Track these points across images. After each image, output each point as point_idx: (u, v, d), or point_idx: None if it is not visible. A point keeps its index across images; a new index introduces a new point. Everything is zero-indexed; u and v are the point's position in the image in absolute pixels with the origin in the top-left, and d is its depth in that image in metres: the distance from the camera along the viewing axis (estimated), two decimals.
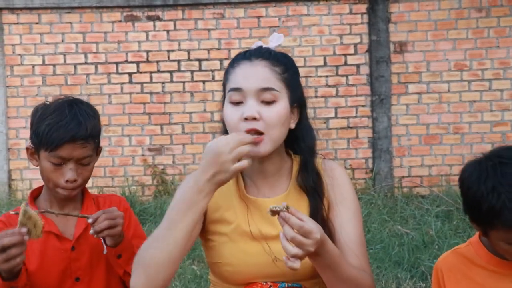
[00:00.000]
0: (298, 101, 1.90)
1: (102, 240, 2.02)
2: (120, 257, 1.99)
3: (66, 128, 1.94)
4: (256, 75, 1.82)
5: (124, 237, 2.00)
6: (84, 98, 6.51)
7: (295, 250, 1.59)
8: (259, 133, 1.79)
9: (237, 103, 1.82)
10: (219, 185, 1.70)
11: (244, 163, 1.67)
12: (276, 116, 1.81)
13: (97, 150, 2.07)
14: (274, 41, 1.93)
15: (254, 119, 1.79)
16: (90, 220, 1.93)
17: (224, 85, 1.91)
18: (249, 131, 1.78)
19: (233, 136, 1.69)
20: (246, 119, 1.79)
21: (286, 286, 1.83)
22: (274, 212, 1.63)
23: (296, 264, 1.60)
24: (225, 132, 1.96)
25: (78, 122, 1.96)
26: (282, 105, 1.83)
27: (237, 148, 1.67)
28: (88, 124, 1.97)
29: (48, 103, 2.07)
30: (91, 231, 1.93)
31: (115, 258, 2.00)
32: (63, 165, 1.97)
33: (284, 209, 1.62)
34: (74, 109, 2.00)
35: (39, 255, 2.03)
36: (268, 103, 1.81)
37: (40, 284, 2.04)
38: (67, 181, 1.97)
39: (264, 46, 1.92)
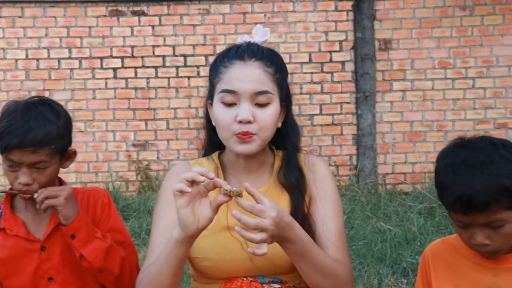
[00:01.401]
0: (285, 100, 1.91)
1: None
2: (74, 237, 1.96)
3: (15, 133, 1.91)
4: (251, 78, 1.82)
5: (79, 216, 1.97)
6: (68, 93, 6.54)
7: (258, 235, 1.60)
8: (249, 134, 1.81)
9: (230, 104, 1.82)
10: (185, 235, 1.67)
11: (180, 185, 1.63)
12: (270, 118, 1.83)
13: (64, 153, 2.03)
14: (260, 35, 1.93)
15: (248, 122, 1.80)
16: (35, 195, 1.95)
17: (211, 81, 1.90)
18: (242, 134, 1.80)
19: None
20: (240, 121, 1.79)
21: (266, 281, 1.84)
22: (226, 194, 1.64)
23: (264, 249, 1.61)
24: (208, 128, 1.96)
25: (28, 128, 1.92)
26: (275, 107, 1.85)
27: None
28: (40, 131, 1.93)
29: (13, 102, 2.02)
30: (36, 205, 1.96)
31: (69, 239, 1.97)
32: (17, 168, 1.95)
33: (235, 193, 1.63)
34: (30, 113, 1.95)
35: (8, 259, 2.02)
36: (262, 105, 1.82)
37: (14, 287, 2.03)
38: (19, 183, 1.96)
39: (252, 41, 1.91)
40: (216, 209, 1.66)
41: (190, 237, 1.67)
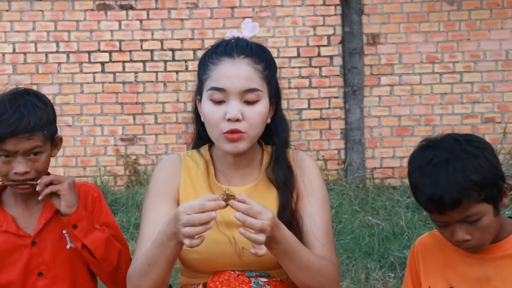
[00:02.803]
0: (275, 96, 1.91)
1: (66, 236, 2.02)
2: (76, 227, 1.96)
3: (8, 122, 1.91)
4: (240, 75, 1.81)
5: (80, 207, 1.98)
6: (56, 87, 6.50)
7: (261, 236, 1.62)
8: (238, 132, 1.81)
9: (219, 102, 1.82)
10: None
11: (194, 242, 1.63)
12: (259, 116, 1.83)
13: (53, 140, 2.03)
14: (249, 30, 1.92)
15: (237, 120, 1.80)
16: (38, 181, 1.95)
17: (200, 77, 1.89)
18: (231, 132, 1.79)
19: (196, 205, 1.63)
20: (229, 119, 1.79)
21: (254, 275, 1.84)
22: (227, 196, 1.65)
23: (264, 249, 1.64)
24: (197, 123, 1.96)
25: (20, 115, 1.93)
26: (264, 104, 1.85)
27: (184, 228, 1.62)
28: (32, 116, 1.94)
29: None
30: (37, 188, 1.94)
31: (71, 229, 1.97)
32: (11, 158, 1.95)
33: (226, 195, 1.64)
34: (18, 101, 1.96)
35: None
36: (251, 102, 1.82)
37: (4, 281, 2.02)
38: (15, 173, 1.95)
39: (241, 36, 1.91)
40: None
41: None
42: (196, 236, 1.63)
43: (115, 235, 2.09)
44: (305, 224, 1.86)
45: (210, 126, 1.84)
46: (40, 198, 1.96)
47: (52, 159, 2.09)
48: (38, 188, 1.95)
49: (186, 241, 1.63)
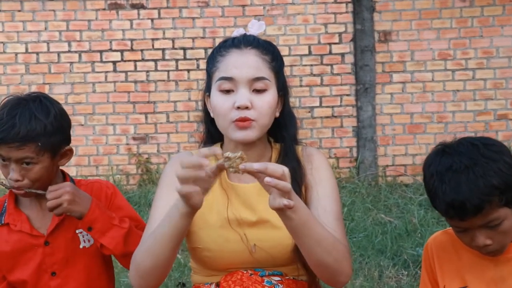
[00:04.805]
0: (282, 89, 1.92)
1: (79, 236, 2.03)
2: (91, 229, 1.97)
3: (0, 129, 1.92)
4: (248, 64, 1.83)
5: (92, 208, 1.97)
6: (68, 87, 6.53)
7: (287, 183, 1.58)
8: (248, 120, 1.81)
9: (227, 91, 1.83)
10: (191, 207, 1.64)
11: (183, 187, 1.59)
12: (267, 105, 1.84)
13: (56, 151, 2.00)
14: (255, 29, 1.94)
15: (246, 108, 1.80)
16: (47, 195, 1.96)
17: (209, 72, 1.91)
18: (240, 120, 1.80)
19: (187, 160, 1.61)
20: (238, 107, 1.80)
21: (267, 274, 1.84)
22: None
23: (293, 201, 1.60)
24: (207, 121, 1.97)
25: (13, 124, 1.91)
26: (272, 94, 1.86)
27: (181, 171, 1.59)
28: (23, 127, 1.92)
29: (12, 97, 2.02)
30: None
31: (87, 231, 1.99)
32: (7, 163, 1.96)
33: (238, 158, 1.59)
34: (18, 109, 1.95)
35: (12, 253, 2.03)
36: (259, 91, 1.83)
37: (17, 280, 2.04)
38: (10, 179, 1.97)
39: (248, 33, 1.93)
40: (217, 172, 1.63)
41: (197, 209, 1.66)
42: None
43: (137, 226, 2.09)
44: (314, 212, 1.85)
45: (220, 116, 1.85)
46: (56, 213, 1.98)
47: None
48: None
49: (178, 186, 1.60)
